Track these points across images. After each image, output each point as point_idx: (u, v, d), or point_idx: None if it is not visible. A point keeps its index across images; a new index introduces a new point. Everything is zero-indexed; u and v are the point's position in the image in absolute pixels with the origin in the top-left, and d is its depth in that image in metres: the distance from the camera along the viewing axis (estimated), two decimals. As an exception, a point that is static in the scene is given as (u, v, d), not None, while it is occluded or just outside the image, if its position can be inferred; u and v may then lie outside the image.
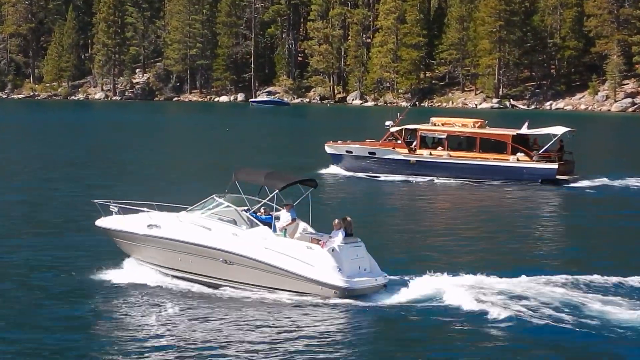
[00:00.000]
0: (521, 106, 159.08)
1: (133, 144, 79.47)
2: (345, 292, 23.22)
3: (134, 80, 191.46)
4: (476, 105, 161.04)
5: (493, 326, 21.12)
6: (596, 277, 25.33)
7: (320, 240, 24.16)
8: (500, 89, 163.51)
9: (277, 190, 24.80)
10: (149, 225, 25.55)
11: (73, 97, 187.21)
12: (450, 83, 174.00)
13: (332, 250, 23.60)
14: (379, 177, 53.99)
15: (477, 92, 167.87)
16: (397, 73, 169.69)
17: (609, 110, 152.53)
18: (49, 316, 21.99)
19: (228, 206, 25.28)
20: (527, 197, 47.16)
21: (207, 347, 19.67)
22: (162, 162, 62.57)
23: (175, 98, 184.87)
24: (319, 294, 23.33)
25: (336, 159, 56.27)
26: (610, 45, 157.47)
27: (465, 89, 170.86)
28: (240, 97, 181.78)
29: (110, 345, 19.78)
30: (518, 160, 51.92)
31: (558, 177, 51.11)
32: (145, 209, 26.05)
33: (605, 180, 51.44)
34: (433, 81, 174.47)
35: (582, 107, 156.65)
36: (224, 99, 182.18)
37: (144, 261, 26.07)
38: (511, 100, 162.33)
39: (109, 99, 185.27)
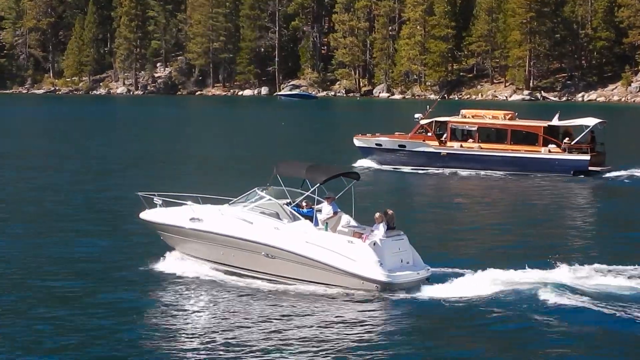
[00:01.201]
0: (552, 98, 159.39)
1: (170, 137, 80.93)
2: (387, 287, 23.53)
3: (156, 75, 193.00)
4: (506, 97, 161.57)
5: (538, 320, 21.52)
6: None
7: (362, 234, 24.43)
8: (531, 81, 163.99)
9: (318, 184, 25.17)
10: (191, 219, 26.06)
11: (94, 91, 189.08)
12: (478, 75, 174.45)
13: (374, 244, 23.88)
14: (409, 169, 54.89)
15: (507, 84, 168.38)
16: (425, 65, 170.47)
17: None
18: (94, 303, 22.90)
19: (270, 199, 25.59)
20: (562, 189, 47.87)
21: (246, 339, 20.19)
22: (201, 155, 63.94)
23: (198, 92, 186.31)
24: (361, 289, 23.62)
25: (365, 152, 57.08)
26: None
27: (495, 81, 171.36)
28: (264, 90, 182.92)
29: (151, 334, 20.56)
30: (550, 151, 52.75)
31: (590, 168, 52.02)
32: (188, 202, 26.67)
33: (637, 171, 52.09)
34: (461, 73, 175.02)
35: (615, 98, 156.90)
36: (247, 92, 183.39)
37: (188, 254, 26.63)
38: (542, 92, 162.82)
39: (131, 93, 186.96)
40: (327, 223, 24.99)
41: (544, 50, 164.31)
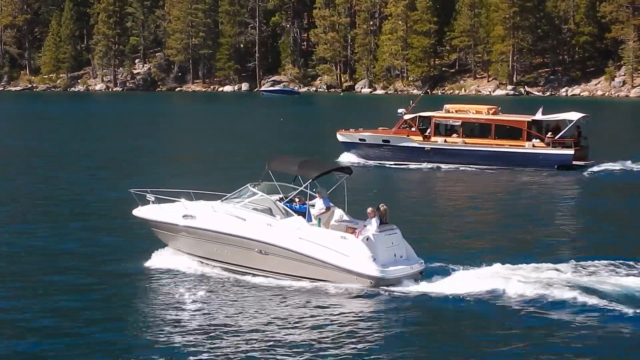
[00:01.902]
0: (536, 93, 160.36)
1: (158, 134, 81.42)
2: (380, 282, 23.83)
3: (135, 71, 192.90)
4: (490, 92, 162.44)
5: (529, 313, 21.98)
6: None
7: (355, 229, 24.79)
8: (514, 76, 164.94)
9: (310, 180, 25.61)
10: (184, 216, 26.38)
11: (73, 88, 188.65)
12: (460, 70, 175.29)
13: (367, 239, 24.22)
14: (393, 164, 55.39)
15: (490, 79, 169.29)
16: (408, 61, 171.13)
17: (627, 95, 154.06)
18: (87, 299, 23.31)
19: (262, 195, 25.93)
20: (548, 183, 48.62)
21: (239, 336, 20.46)
22: (190, 151, 64.61)
23: (178, 88, 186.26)
24: (354, 284, 23.92)
25: (349, 147, 57.63)
26: (627, 30, 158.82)
27: (477, 76, 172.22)
28: (245, 86, 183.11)
29: (144, 329, 20.89)
30: (534, 146, 53.44)
31: (574, 162, 52.68)
32: (181, 198, 26.91)
33: (620, 165, 52.98)
34: (443, 68, 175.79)
35: (599, 93, 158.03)
36: (227, 88, 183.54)
37: (181, 250, 26.96)
38: (526, 87, 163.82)
39: (110, 90, 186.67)
40: (319, 219, 25.26)
41: (526, 45, 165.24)
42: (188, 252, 26.82)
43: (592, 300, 22.62)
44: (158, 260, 26.90)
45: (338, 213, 25.56)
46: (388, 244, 24.63)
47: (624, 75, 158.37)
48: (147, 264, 26.69)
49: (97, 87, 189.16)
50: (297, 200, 26.14)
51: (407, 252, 25.00)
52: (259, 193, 26.08)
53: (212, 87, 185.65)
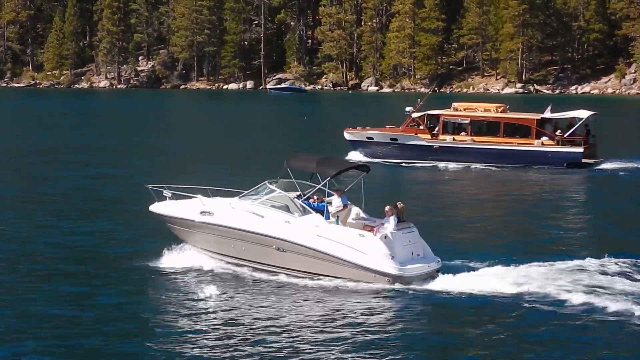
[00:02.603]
0: (545, 91, 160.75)
1: (168, 131, 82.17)
2: (398, 280, 24.19)
3: (139, 68, 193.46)
4: (499, 90, 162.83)
5: (547, 312, 22.22)
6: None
7: (373, 227, 25.07)
8: (523, 74, 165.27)
9: (329, 177, 25.88)
10: (201, 212, 26.66)
11: (76, 85, 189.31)
12: (468, 68, 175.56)
13: (385, 237, 24.55)
14: (401, 163, 55.70)
15: (498, 77, 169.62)
16: (415, 58, 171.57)
17: (639, 93, 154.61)
18: (103, 297, 23.61)
19: (280, 193, 26.20)
20: (559, 181, 49.09)
21: (256, 332, 20.73)
22: (203, 148, 65.21)
23: (182, 86, 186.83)
24: (372, 282, 24.28)
25: (356, 145, 57.87)
26: (638, 27, 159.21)
27: (485, 74, 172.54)
28: (250, 84, 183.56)
29: (160, 326, 21.14)
30: (543, 144, 53.79)
31: (583, 160, 53.06)
32: (198, 194, 27.15)
33: (630, 163, 53.48)
34: (450, 66, 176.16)
35: (610, 90, 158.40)
36: (232, 86, 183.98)
37: (198, 247, 27.27)
38: (535, 85, 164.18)
39: (114, 87, 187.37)
40: (338, 216, 25.58)
41: (536, 42, 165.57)
42: (205, 248, 27.11)
43: (612, 299, 22.89)
44: (174, 256, 27.13)
45: (355, 211, 25.90)
46: (405, 242, 24.98)
47: (634, 73, 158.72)
48: (164, 260, 26.92)
49: (101, 84, 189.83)
50: (315, 198, 26.39)
51: (424, 250, 25.35)
52: (277, 190, 26.34)
53: (216, 84, 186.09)
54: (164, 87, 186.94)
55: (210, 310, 22.61)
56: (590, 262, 26.52)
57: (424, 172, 53.30)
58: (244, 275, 25.75)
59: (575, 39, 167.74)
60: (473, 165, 54.13)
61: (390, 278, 24.26)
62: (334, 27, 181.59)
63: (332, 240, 24.82)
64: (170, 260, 26.98)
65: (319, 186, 26.25)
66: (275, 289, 24.48)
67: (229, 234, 26.24)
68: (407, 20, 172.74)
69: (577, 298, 22.97)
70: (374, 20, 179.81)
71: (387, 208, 25.25)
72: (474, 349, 20.08)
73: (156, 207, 28.01)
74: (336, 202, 25.93)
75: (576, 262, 26.48)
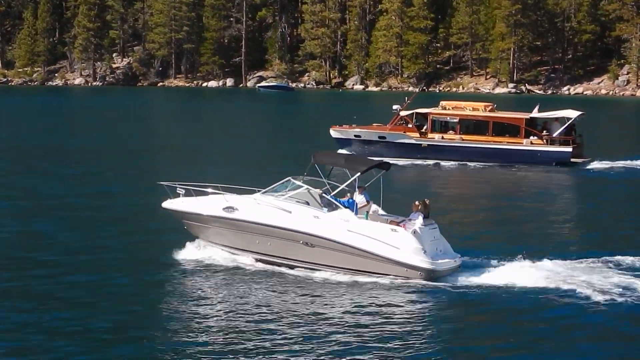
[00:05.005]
0: (537, 91, 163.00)
1: (171, 131, 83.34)
2: (430, 274, 25.17)
3: (114, 65, 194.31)
4: (490, 90, 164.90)
5: (557, 307, 23.18)
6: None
7: (399, 223, 26.08)
8: (515, 74, 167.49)
9: (359, 173, 26.82)
10: (225, 208, 27.25)
11: (50, 82, 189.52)
12: (455, 67, 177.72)
13: (414, 232, 25.55)
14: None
15: (488, 76, 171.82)
16: (403, 57, 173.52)
17: (633, 94, 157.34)
18: (119, 292, 24.33)
19: (307, 188, 26.87)
20: (550, 180, 50.80)
21: (280, 327, 21.37)
22: (201, 146, 66.08)
23: (160, 83, 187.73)
24: (403, 276, 25.22)
25: (343, 143, 58.86)
26: (631, 29, 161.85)
27: (474, 73, 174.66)
28: (230, 82, 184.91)
29: (179, 322, 21.71)
30: (532, 143, 55.69)
31: (572, 159, 55.08)
32: (208, 190, 27.80)
33: (617, 162, 55.40)
34: (438, 65, 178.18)
35: (603, 92, 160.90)
36: (212, 84, 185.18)
37: (216, 243, 27.93)
38: (526, 85, 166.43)
39: (89, 84, 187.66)
40: (366, 212, 26.64)
41: (527, 43, 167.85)
42: (225, 244, 27.84)
43: (623, 295, 23.97)
44: (190, 252, 27.88)
45: (373, 208, 27.04)
46: (431, 238, 26.08)
47: (627, 74, 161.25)
48: (179, 256, 27.70)
49: (76, 82, 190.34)
50: (348, 195, 27.10)
51: (445, 247, 26.47)
52: (304, 186, 27.03)
53: (195, 82, 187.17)
54: (140, 84, 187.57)
55: (228, 303, 23.36)
56: (590, 261, 27.43)
57: (412, 170, 54.28)
58: (262, 270, 26.51)
59: (566, 40, 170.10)
60: (461, 164, 55.58)
61: (423, 272, 25.27)
62: (318, 25, 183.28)
63: (364, 235, 25.71)
64: (188, 256, 27.68)
65: (348, 182, 27.09)
66: (296, 283, 25.32)
67: (254, 229, 26.93)
68: (395, 18, 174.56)
69: (595, 295, 23.86)
70: (360, 19, 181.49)
71: (415, 203, 26.44)
72: (491, 344, 20.96)
73: (171, 204, 28.57)
74: (359, 198, 26.98)
75: (584, 258, 27.54)
